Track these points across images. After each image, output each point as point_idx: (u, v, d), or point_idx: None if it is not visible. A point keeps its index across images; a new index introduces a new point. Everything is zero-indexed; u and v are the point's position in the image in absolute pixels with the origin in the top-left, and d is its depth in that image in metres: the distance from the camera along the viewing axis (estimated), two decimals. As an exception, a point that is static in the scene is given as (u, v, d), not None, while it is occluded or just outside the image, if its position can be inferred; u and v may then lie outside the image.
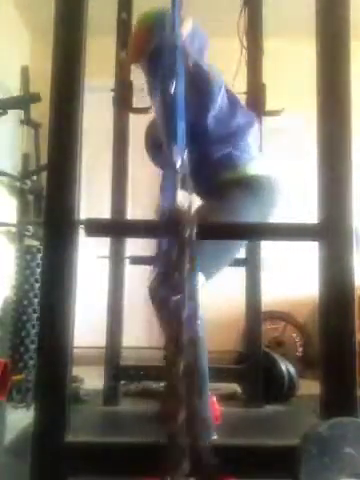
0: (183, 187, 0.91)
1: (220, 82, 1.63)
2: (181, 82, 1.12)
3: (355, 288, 1.01)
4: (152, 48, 1.69)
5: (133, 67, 2.40)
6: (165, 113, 1.53)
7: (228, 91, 1.73)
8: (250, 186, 1.61)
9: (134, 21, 2.39)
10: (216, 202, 1.61)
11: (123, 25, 2.43)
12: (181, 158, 0.93)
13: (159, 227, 0.92)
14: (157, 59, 1.60)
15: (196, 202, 1.57)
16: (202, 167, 1.60)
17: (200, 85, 1.54)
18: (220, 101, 1.61)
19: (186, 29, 1.63)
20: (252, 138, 1.70)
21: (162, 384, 2.54)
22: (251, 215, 1.60)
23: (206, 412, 1.42)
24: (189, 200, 0.88)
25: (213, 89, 1.57)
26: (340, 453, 0.79)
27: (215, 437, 1.38)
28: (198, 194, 1.73)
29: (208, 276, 1.54)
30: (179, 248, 0.81)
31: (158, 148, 1.73)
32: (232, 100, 1.71)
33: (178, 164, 0.92)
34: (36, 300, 2.34)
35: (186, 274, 0.79)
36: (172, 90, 1.01)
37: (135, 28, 1.86)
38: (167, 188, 0.98)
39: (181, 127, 0.98)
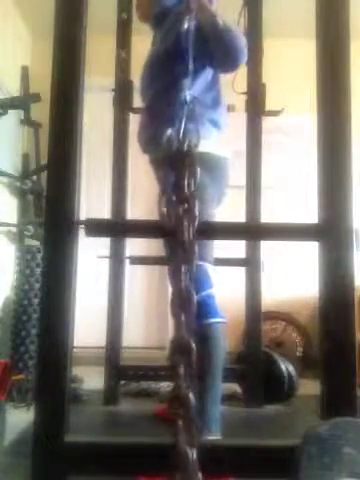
0: (191, 120, 0.91)
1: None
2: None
3: (355, 288, 1.01)
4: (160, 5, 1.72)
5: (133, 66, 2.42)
6: (175, 51, 1.51)
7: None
8: (204, 163, 1.62)
9: (134, 21, 2.40)
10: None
11: (123, 25, 2.43)
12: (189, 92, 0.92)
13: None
14: (165, 15, 1.64)
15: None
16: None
17: (235, 41, 1.52)
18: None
19: None
20: (217, 116, 1.70)
21: (162, 384, 2.55)
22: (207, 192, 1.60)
23: (216, 411, 1.42)
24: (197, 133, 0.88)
25: (242, 43, 1.55)
26: (340, 453, 0.79)
27: (218, 437, 1.38)
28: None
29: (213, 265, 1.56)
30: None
31: (152, 139, 1.69)
32: (214, 75, 1.72)
33: (188, 97, 0.92)
34: (36, 300, 2.34)
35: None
36: (185, 27, 1.01)
37: None
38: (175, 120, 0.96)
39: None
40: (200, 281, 1.44)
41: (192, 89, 1.53)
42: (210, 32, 1.50)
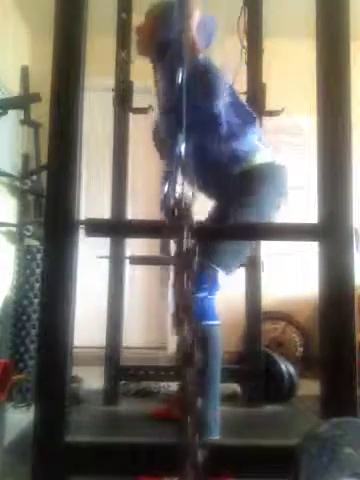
0: (184, 174, 0.91)
1: (224, 79, 1.65)
2: (186, 76, 1.14)
3: (355, 288, 1.01)
4: (160, 39, 1.71)
5: (132, 66, 2.42)
6: (171, 103, 1.55)
7: (232, 91, 1.75)
8: (260, 175, 1.65)
9: (134, 21, 2.40)
10: (233, 199, 1.63)
11: (123, 25, 2.43)
12: (183, 147, 0.93)
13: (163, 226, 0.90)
14: (165, 50, 1.62)
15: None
16: (210, 166, 1.64)
17: (209, 82, 1.55)
18: (224, 98, 1.63)
19: (195, 20, 1.63)
20: (254, 132, 1.73)
21: (162, 384, 2.55)
22: (269, 201, 1.64)
23: (215, 413, 1.42)
24: (192, 192, 0.87)
25: (220, 86, 1.58)
26: (340, 453, 0.79)
27: (218, 437, 1.38)
28: (210, 195, 1.75)
29: (228, 271, 1.57)
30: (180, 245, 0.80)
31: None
32: (234, 101, 1.72)
33: (182, 151, 0.92)
34: (36, 300, 2.34)
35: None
36: (179, 80, 1.02)
37: (145, 19, 1.86)
38: (170, 178, 0.99)
39: (183, 116, 0.98)
40: (201, 284, 1.45)
41: (203, 136, 1.61)
42: (191, 70, 1.50)
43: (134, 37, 1.93)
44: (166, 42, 1.62)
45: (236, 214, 1.58)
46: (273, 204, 1.66)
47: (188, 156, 1.72)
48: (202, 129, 1.60)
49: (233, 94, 1.75)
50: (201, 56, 1.55)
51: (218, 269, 1.53)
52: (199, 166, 1.67)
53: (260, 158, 1.69)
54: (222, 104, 1.61)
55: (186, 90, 1.46)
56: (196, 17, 1.63)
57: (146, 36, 1.81)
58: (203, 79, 1.53)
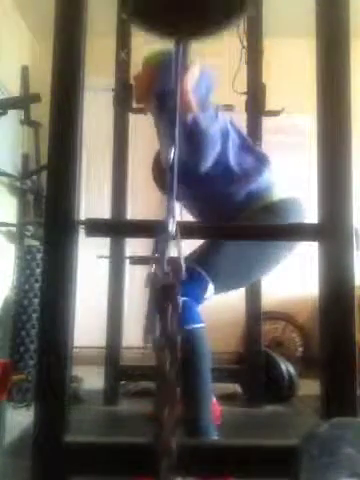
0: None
1: (215, 142, 1.57)
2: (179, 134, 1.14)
3: (355, 288, 1.01)
4: (157, 91, 1.65)
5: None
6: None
7: (242, 135, 1.72)
8: (279, 209, 1.62)
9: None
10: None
11: (123, 25, 2.43)
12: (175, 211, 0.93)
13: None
14: (162, 102, 1.59)
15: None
16: (226, 205, 1.62)
17: (195, 144, 1.50)
18: (211, 161, 1.57)
19: (193, 76, 1.57)
20: (269, 174, 1.70)
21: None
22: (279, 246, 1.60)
23: (208, 414, 1.42)
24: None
25: (207, 149, 1.52)
26: (340, 453, 0.79)
27: (216, 437, 1.38)
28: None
29: (219, 290, 1.55)
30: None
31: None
32: (244, 144, 1.70)
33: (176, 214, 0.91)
34: (36, 300, 2.34)
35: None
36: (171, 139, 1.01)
37: (142, 68, 1.81)
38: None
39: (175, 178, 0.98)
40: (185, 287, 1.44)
41: (215, 180, 1.60)
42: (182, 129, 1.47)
43: (133, 84, 1.87)
44: (164, 93, 1.57)
45: (245, 250, 1.55)
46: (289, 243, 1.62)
47: (198, 200, 1.69)
48: (211, 178, 1.59)
49: (242, 136, 1.72)
50: (191, 116, 1.48)
51: (209, 282, 1.51)
52: (211, 209, 1.66)
53: (277, 194, 1.66)
54: (209, 166, 1.57)
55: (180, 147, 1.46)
56: (193, 74, 1.57)
57: (143, 86, 1.76)
58: (190, 139, 1.47)
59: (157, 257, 0.87)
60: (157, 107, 1.69)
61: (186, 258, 1.55)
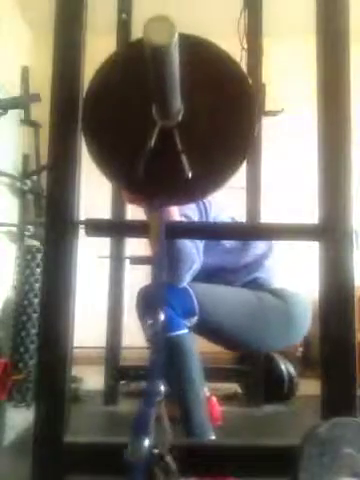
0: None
1: (192, 259, 1.47)
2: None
3: (355, 288, 1.01)
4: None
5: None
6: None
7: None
8: (283, 295, 1.58)
9: (134, 21, 2.40)
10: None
11: (123, 25, 2.43)
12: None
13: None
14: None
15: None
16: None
17: (171, 260, 1.43)
18: (188, 278, 1.49)
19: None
20: (272, 261, 1.68)
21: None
22: (284, 328, 1.56)
23: (200, 415, 1.42)
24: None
25: (181, 267, 1.46)
26: (340, 453, 0.79)
27: (213, 438, 1.38)
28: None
29: (201, 328, 1.51)
30: None
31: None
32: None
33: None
34: (36, 300, 2.34)
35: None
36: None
37: None
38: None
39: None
40: (172, 303, 1.44)
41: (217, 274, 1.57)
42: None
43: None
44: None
45: (248, 315, 1.52)
46: (288, 333, 1.59)
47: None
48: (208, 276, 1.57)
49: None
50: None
51: (196, 315, 1.47)
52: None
53: (281, 284, 1.63)
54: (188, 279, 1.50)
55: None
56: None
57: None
58: (168, 258, 1.45)
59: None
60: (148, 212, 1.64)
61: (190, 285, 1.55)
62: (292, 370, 2.46)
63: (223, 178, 0.97)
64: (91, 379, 2.55)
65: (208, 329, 1.53)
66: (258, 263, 1.65)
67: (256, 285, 1.61)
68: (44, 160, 2.95)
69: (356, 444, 0.79)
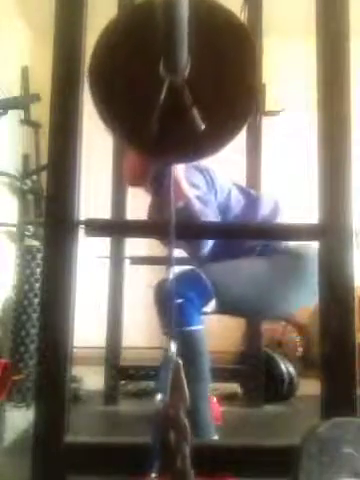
0: None
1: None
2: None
3: (355, 288, 1.01)
4: (155, 172, 1.61)
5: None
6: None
7: (245, 192, 1.69)
8: (295, 255, 1.56)
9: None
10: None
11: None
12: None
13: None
14: (159, 185, 1.54)
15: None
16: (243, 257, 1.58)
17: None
18: (209, 246, 1.49)
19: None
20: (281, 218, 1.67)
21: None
22: (301, 280, 1.54)
23: (207, 414, 1.42)
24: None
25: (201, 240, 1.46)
26: (340, 453, 0.79)
27: (216, 437, 1.38)
28: None
29: (220, 310, 1.53)
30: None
31: None
32: (249, 199, 1.66)
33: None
34: (36, 300, 2.34)
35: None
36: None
37: (132, 152, 1.67)
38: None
39: None
40: (187, 292, 1.44)
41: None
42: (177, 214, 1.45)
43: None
44: (159, 177, 1.51)
45: (264, 284, 1.53)
46: (305, 294, 1.56)
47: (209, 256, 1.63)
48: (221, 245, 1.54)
49: (246, 193, 1.68)
50: (182, 203, 1.42)
51: (213, 297, 1.48)
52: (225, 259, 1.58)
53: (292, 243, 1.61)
54: (207, 250, 1.50)
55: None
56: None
57: (136, 170, 1.69)
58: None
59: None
60: (153, 191, 1.66)
61: (200, 266, 1.55)
62: (292, 370, 2.46)
63: (232, 132, 0.96)
64: (91, 379, 2.55)
65: (227, 306, 1.54)
66: (269, 222, 1.63)
67: (271, 249, 1.59)
68: (44, 160, 2.95)
69: (356, 444, 0.79)
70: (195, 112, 0.91)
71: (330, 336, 1.01)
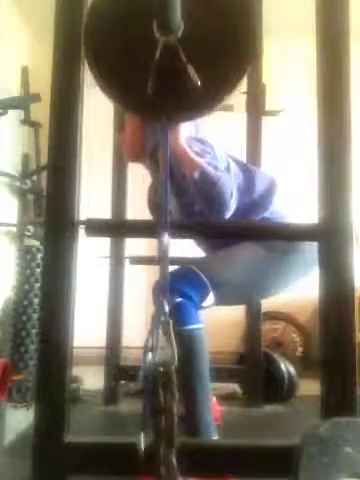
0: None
1: (229, 184, 1.47)
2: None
3: (355, 288, 1.01)
4: (150, 148, 1.59)
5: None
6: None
7: (240, 163, 1.66)
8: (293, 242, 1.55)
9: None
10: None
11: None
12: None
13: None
14: (157, 160, 1.49)
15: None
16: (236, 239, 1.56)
17: (212, 197, 1.43)
18: (234, 206, 1.48)
19: (184, 130, 1.50)
20: (278, 198, 1.65)
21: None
22: (293, 266, 1.57)
23: (208, 413, 1.42)
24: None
25: (225, 197, 1.43)
26: (340, 453, 0.79)
27: (216, 437, 1.38)
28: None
29: (218, 301, 1.53)
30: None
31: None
32: (246, 171, 1.63)
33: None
34: (36, 300, 2.34)
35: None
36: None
37: (129, 123, 1.69)
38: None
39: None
40: (184, 290, 1.43)
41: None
42: (192, 185, 1.44)
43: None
44: (157, 152, 1.48)
45: (255, 267, 1.53)
46: (301, 271, 1.60)
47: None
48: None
49: (243, 166, 1.66)
50: (197, 172, 1.42)
51: (210, 291, 1.48)
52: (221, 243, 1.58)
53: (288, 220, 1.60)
54: (233, 208, 1.48)
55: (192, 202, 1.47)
56: (184, 128, 1.49)
57: (133, 145, 1.68)
58: (206, 195, 1.42)
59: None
60: (152, 166, 1.64)
61: (191, 262, 1.55)
62: (292, 370, 2.46)
63: (229, 88, 0.95)
64: (91, 379, 2.55)
65: (225, 298, 1.54)
66: (265, 200, 1.61)
67: None
68: (44, 160, 2.95)
69: (356, 444, 0.79)
70: (191, 69, 0.91)
71: (330, 336, 1.01)
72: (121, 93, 0.99)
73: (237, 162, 1.65)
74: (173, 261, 1.49)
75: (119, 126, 2.03)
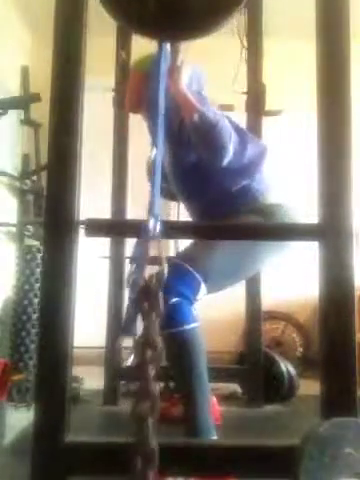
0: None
1: (228, 129, 1.51)
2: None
3: (355, 288, 1.01)
4: (150, 97, 1.58)
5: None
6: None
7: (235, 125, 1.67)
8: (264, 214, 1.59)
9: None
10: None
11: (121, 29, 2.42)
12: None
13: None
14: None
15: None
16: (221, 201, 1.60)
17: (212, 139, 1.47)
18: (232, 150, 1.53)
19: (184, 76, 1.55)
20: (267, 167, 1.66)
21: (162, 384, 2.54)
22: (272, 246, 1.57)
23: (207, 413, 1.42)
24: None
25: (224, 140, 1.48)
26: (340, 453, 0.79)
27: (216, 437, 1.38)
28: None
29: (210, 290, 1.54)
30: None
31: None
32: (240, 134, 1.64)
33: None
34: (36, 300, 2.34)
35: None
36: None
37: (132, 74, 1.75)
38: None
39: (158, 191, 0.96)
40: (177, 288, 1.43)
41: (213, 175, 1.58)
42: (192, 130, 1.46)
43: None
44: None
45: (235, 249, 1.52)
46: (276, 251, 1.61)
47: (189, 193, 1.66)
48: (212, 173, 1.57)
49: (239, 129, 1.67)
50: (197, 114, 1.45)
51: (201, 283, 1.49)
52: (206, 207, 1.62)
53: (271, 197, 1.63)
54: (231, 153, 1.52)
55: (191, 148, 1.48)
56: (185, 72, 1.53)
57: (135, 93, 1.72)
58: (205, 137, 1.45)
59: (136, 257, 0.89)
60: (151, 116, 1.65)
61: (177, 256, 1.56)
62: (292, 370, 2.46)
63: (230, 9, 0.95)
64: (91, 379, 2.55)
65: (216, 286, 1.56)
66: (254, 166, 1.62)
67: (249, 198, 1.59)
68: (44, 160, 2.95)
69: (356, 444, 0.79)
70: None
71: (330, 336, 1.01)
72: (123, 11, 0.99)
73: (232, 122, 1.67)
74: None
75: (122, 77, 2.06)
